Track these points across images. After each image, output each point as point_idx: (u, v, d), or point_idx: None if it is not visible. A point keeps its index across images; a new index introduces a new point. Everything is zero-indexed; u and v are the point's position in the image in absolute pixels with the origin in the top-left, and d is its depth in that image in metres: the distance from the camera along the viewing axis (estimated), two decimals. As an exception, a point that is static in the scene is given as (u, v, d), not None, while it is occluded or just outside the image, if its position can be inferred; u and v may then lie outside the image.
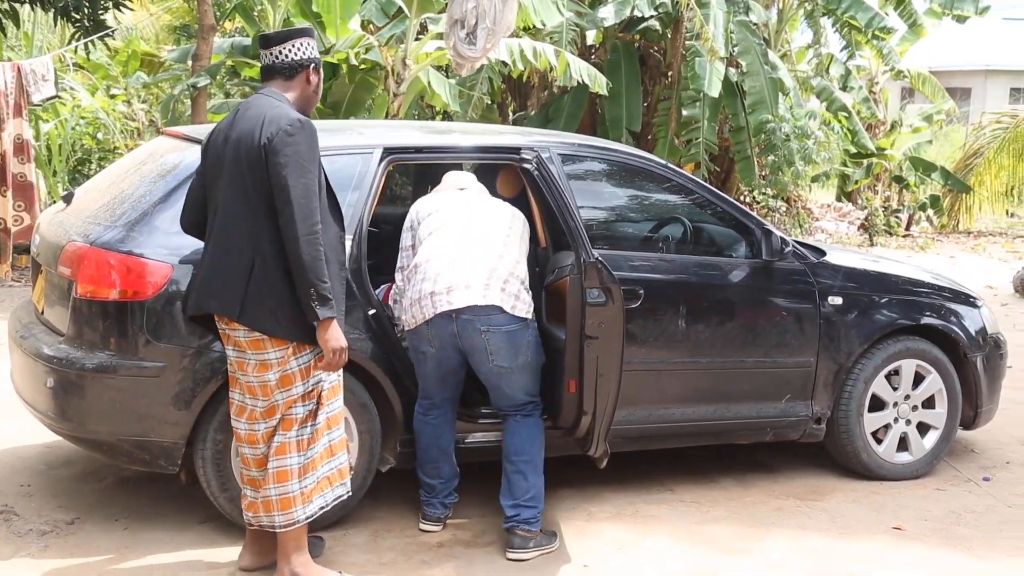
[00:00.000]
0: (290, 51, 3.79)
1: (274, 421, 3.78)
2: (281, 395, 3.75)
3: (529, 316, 4.21)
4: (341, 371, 3.92)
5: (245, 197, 3.65)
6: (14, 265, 10.75)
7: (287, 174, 3.55)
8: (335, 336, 3.63)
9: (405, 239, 4.47)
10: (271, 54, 3.81)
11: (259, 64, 3.93)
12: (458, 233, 4.30)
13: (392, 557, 4.18)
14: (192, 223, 3.89)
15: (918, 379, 5.28)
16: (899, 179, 17.69)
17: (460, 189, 4.60)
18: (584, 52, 14.47)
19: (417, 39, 11.55)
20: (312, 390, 3.79)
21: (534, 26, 11.91)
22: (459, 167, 5.33)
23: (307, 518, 3.83)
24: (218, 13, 12.42)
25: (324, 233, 3.64)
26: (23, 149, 8.86)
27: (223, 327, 3.79)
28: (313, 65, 3.83)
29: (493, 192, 4.99)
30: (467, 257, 4.19)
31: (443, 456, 4.42)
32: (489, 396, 4.40)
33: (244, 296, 3.64)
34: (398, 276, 4.46)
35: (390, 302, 4.65)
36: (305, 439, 3.80)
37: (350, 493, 4.05)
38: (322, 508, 3.88)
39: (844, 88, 16.30)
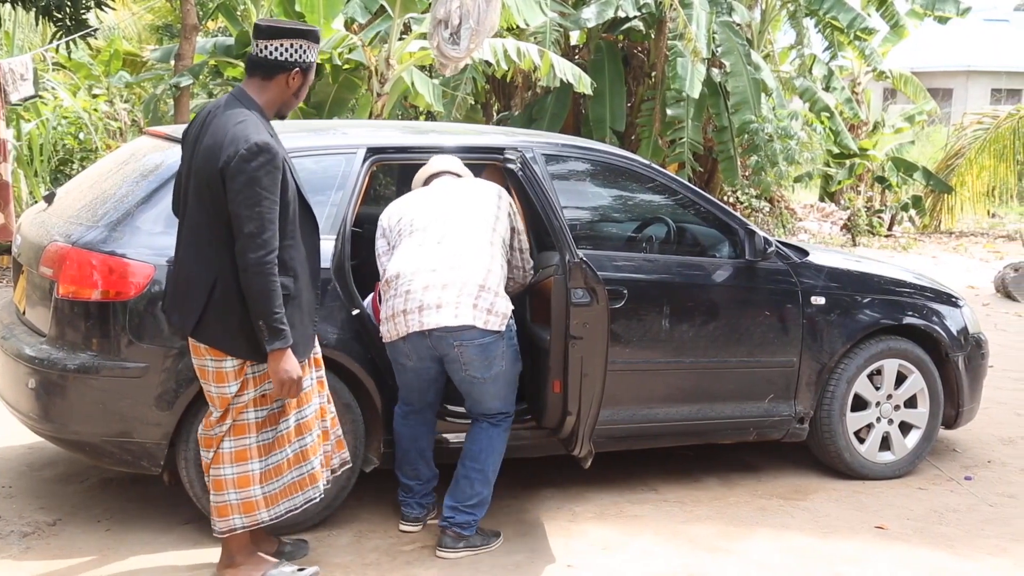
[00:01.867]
0: (275, 49, 3.62)
1: (227, 425, 3.76)
2: (236, 400, 3.73)
3: (503, 328, 4.11)
4: (312, 378, 3.88)
5: (206, 212, 3.58)
6: (-5, 266, 10.69)
7: (240, 202, 3.45)
8: (285, 368, 3.56)
9: (379, 245, 4.39)
10: (257, 46, 3.66)
11: (242, 62, 3.88)
12: (429, 241, 4.19)
13: (376, 557, 4.18)
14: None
15: (900, 379, 5.30)
16: (881, 179, 17.77)
17: (426, 182, 4.50)
18: (568, 52, 14.50)
19: (401, 39, 11.53)
20: (264, 395, 3.74)
21: (517, 26, 11.92)
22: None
23: (272, 519, 3.82)
24: (201, 13, 12.39)
25: (295, 248, 3.61)
26: None
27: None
28: (297, 69, 3.65)
29: None
30: (437, 272, 4.09)
31: (421, 458, 4.41)
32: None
33: (202, 314, 3.60)
34: (382, 285, 4.39)
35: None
36: (266, 444, 3.78)
37: (322, 496, 4.03)
38: (290, 511, 3.85)
39: (827, 89, 16.38)
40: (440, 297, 4.05)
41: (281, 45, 3.62)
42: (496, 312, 4.09)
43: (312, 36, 3.69)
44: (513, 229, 4.38)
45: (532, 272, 4.54)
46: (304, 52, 3.66)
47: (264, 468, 3.79)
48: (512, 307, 4.20)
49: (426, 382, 4.27)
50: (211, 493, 3.81)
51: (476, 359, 4.10)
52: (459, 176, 4.54)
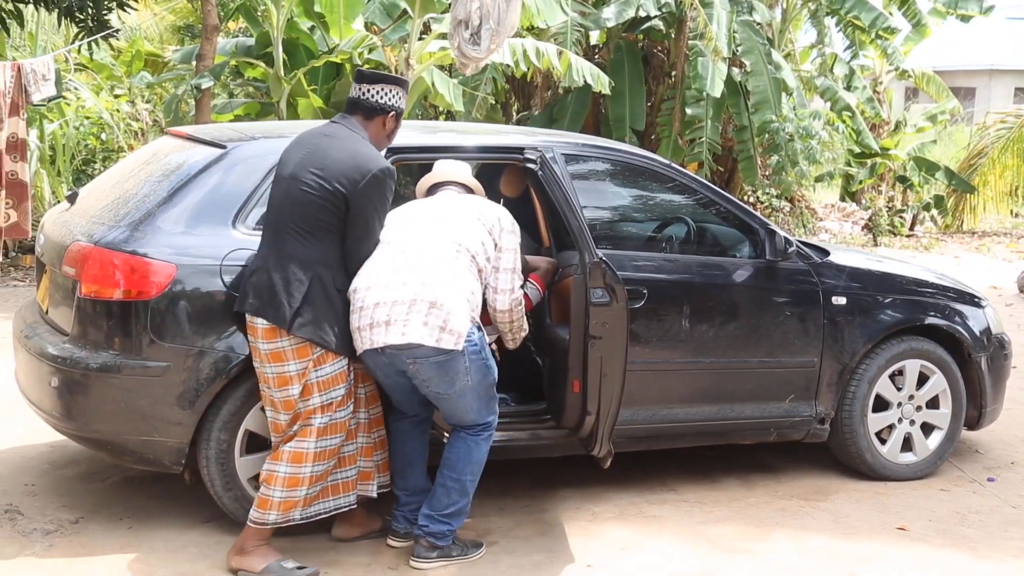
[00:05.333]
0: (376, 93, 4.00)
1: (296, 427, 3.91)
2: (302, 404, 3.88)
3: (458, 347, 3.86)
4: (364, 390, 4.13)
5: (308, 217, 3.85)
6: (18, 264, 10.77)
7: (372, 214, 3.90)
8: None
9: None
10: (360, 89, 4.02)
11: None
12: (390, 254, 3.99)
13: (394, 557, 4.18)
14: None
15: (922, 379, 5.27)
16: (903, 179, 17.66)
17: (430, 191, 4.37)
18: (588, 52, 14.48)
19: (421, 39, 11.56)
20: (330, 403, 3.89)
21: (537, 26, 11.92)
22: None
23: (302, 519, 3.98)
24: (221, 13, 12.43)
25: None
26: (17, 147, 8.86)
27: (250, 339, 3.95)
28: (393, 113, 4.04)
29: (494, 191, 4.97)
30: (389, 288, 3.87)
31: (408, 467, 4.28)
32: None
33: (298, 310, 3.81)
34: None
35: None
36: (321, 451, 3.91)
37: (353, 506, 4.16)
38: (319, 514, 4.04)
39: (848, 88, 16.28)
40: (389, 314, 3.84)
41: (383, 90, 4.02)
42: (450, 330, 3.85)
43: (405, 85, 4.11)
44: (497, 246, 4.14)
45: (512, 297, 4.22)
46: (400, 98, 4.07)
47: (314, 473, 3.91)
48: (470, 325, 3.92)
49: (405, 393, 4.14)
50: (261, 485, 3.94)
51: (435, 376, 3.92)
52: (466, 187, 4.36)
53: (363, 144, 3.96)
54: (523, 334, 4.41)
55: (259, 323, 3.87)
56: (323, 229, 3.87)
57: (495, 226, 4.15)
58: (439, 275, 3.92)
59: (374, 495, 4.21)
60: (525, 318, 4.38)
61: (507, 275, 4.19)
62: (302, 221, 3.86)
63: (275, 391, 3.89)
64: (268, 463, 3.93)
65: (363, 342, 3.92)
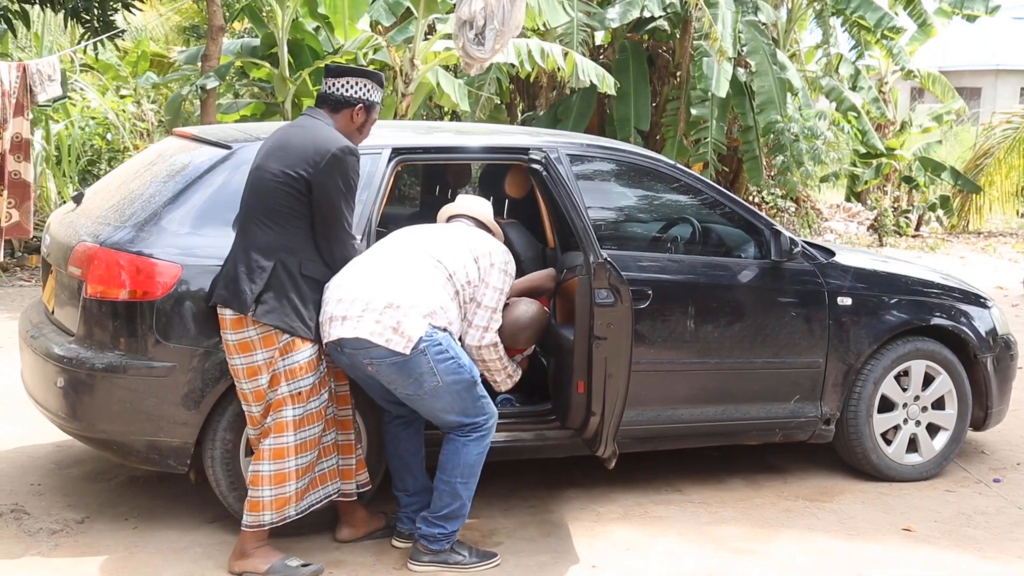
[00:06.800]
0: (341, 86, 4.02)
1: (270, 419, 3.91)
2: (271, 394, 3.90)
3: (407, 351, 3.78)
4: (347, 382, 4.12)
5: (269, 205, 3.86)
6: (24, 265, 10.80)
7: (335, 193, 3.86)
8: None
9: None
10: (326, 83, 4.06)
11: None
12: (368, 260, 4.01)
13: (400, 556, 4.19)
14: None
15: (928, 380, 5.26)
16: (909, 179, 17.64)
17: (447, 220, 4.40)
18: (593, 52, 14.49)
19: (426, 39, 11.56)
20: (299, 392, 3.88)
21: (544, 25, 11.93)
22: (468, 170, 5.34)
23: (298, 514, 3.98)
24: (227, 14, 12.45)
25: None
26: (21, 148, 8.87)
27: (221, 333, 3.95)
28: (361, 106, 4.03)
29: (499, 192, 4.96)
30: (351, 286, 3.88)
31: (405, 468, 4.26)
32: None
33: (260, 296, 3.81)
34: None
35: None
36: (302, 443, 3.92)
37: (340, 492, 4.16)
38: (312, 506, 4.04)
39: (853, 88, 16.28)
40: (347, 310, 3.83)
41: (347, 83, 4.02)
42: (401, 332, 3.79)
43: (376, 78, 4.08)
44: (481, 279, 4.08)
45: (483, 336, 4.12)
46: (368, 91, 4.05)
47: (298, 466, 3.92)
48: (428, 330, 3.83)
49: (379, 392, 4.12)
50: (248, 488, 3.94)
51: (397, 378, 3.87)
52: (482, 224, 4.36)
53: (325, 129, 3.96)
54: (504, 377, 4.31)
55: (227, 314, 3.88)
56: (287, 216, 3.86)
57: (484, 257, 4.12)
58: (404, 280, 3.91)
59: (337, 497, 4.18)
60: (511, 364, 4.31)
61: (485, 312, 4.12)
62: (266, 209, 3.88)
63: (246, 382, 3.90)
64: (252, 464, 3.94)
65: (323, 336, 3.93)
